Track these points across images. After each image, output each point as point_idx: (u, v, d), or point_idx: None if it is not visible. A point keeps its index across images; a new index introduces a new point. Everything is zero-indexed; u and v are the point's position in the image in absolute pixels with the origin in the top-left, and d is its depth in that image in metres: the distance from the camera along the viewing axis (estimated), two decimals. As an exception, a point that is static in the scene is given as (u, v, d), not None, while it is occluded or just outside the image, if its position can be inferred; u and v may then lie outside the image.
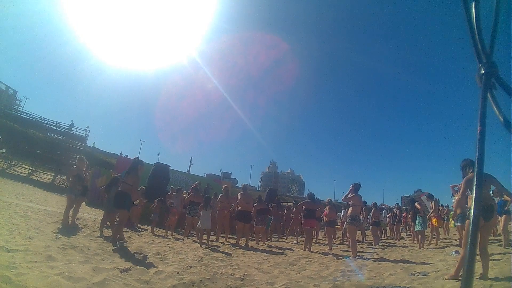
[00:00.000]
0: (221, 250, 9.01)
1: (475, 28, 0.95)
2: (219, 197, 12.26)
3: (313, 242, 11.47)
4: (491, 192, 8.08)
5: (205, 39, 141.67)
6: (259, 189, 77.93)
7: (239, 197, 11.48)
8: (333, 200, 14.05)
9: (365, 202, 14.12)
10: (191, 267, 5.86)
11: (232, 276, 5.50)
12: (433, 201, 12.98)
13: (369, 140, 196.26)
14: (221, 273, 5.68)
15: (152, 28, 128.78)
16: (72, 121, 33.08)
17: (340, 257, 8.94)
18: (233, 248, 9.91)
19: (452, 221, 16.29)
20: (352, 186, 9.56)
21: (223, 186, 12.63)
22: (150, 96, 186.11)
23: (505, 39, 1.01)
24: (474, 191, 0.83)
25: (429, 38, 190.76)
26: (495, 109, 0.87)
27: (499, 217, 10.33)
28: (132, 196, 8.02)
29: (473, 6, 0.97)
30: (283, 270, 6.59)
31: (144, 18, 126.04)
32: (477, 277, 5.22)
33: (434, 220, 12.49)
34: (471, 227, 0.81)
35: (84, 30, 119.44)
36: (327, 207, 12.14)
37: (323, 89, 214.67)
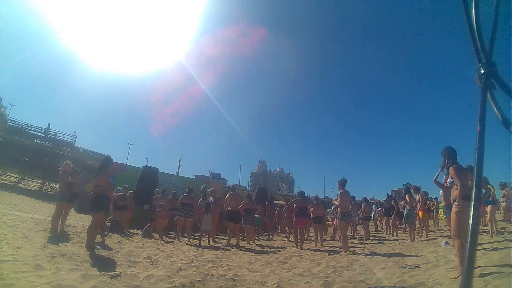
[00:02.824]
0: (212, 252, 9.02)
1: (475, 28, 0.96)
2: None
3: (304, 240, 11.49)
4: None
5: (192, 42, 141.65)
6: (249, 189, 77.80)
7: (228, 197, 11.50)
8: (322, 197, 14.11)
9: (353, 197, 14.19)
10: (181, 270, 5.85)
11: (223, 277, 5.51)
12: (419, 194, 13.09)
13: (357, 135, 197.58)
14: (212, 274, 5.68)
15: (138, 31, 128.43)
16: (49, 124, 32.86)
17: (331, 253, 8.96)
18: (226, 248, 9.92)
19: (442, 213, 16.47)
20: (338, 183, 9.62)
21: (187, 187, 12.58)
22: (137, 99, 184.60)
23: (505, 39, 1.02)
24: (474, 191, 0.84)
25: (422, 35, 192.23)
26: (495, 108, 0.88)
27: (486, 207, 10.49)
28: (109, 196, 7.92)
29: (473, 6, 0.97)
30: (274, 269, 6.59)
31: (130, 21, 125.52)
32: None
33: (420, 213, 12.61)
34: (470, 226, 0.81)
35: (69, 33, 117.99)
36: (313, 203, 12.15)
37: (311, 86, 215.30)
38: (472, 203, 0.83)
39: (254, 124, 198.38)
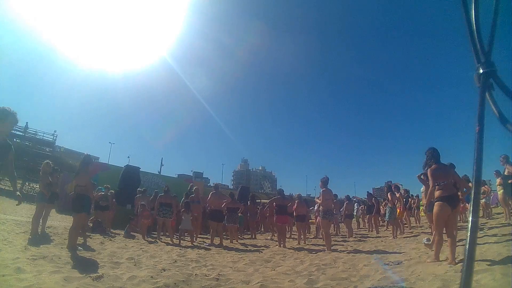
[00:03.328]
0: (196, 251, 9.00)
1: (474, 27, 0.95)
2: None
3: (287, 238, 11.55)
4: None
5: (176, 38, 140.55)
6: (231, 188, 77.73)
7: (210, 196, 11.49)
8: (305, 195, 14.17)
9: (336, 196, 14.29)
10: (165, 270, 5.82)
11: (207, 277, 5.49)
12: (399, 193, 13.28)
13: (339, 134, 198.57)
14: (195, 274, 5.66)
15: (121, 27, 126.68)
16: (27, 123, 32.26)
17: (314, 251, 9.02)
18: (208, 247, 9.90)
19: (423, 210, 16.74)
20: (321, 181, 9.69)
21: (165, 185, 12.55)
22: (119, 97, 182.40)
23: (504, 39, 1.04)
24: (473, 190, 0.85)
25: (412, 33, 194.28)
26: (493, 108, 0.88)
27: (467, 204, 10.72)
28: (90, 197, 7.84)
29: (473, 6, 0.96)
30: (258, 268, 6.61)
31: (112, 17, 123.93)
32: (446, 262, 5.43)
33: (398, 210, 12.80)
34: (470, 225, 0.82)
35: (48, 27, 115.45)
36: (296, 202, 12.21)
37: (293, 85, 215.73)
38: (472, 202, 0.84)
39: (237, 123, 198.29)
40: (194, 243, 10.61)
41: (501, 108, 0.87)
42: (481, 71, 0.91)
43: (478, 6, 0.95)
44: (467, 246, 0.78)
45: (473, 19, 0.95)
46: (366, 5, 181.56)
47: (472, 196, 0.85)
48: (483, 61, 0.92)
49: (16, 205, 5.02)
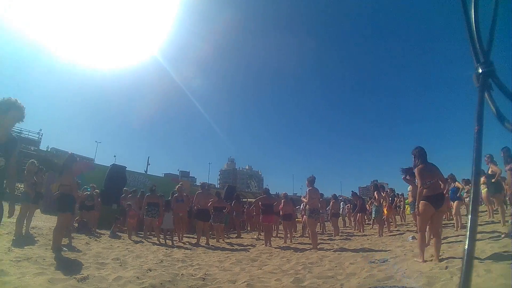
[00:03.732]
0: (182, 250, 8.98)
1: (474, 27, 0.95)
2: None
3: (274, 237, 11.58)
4: None
5: (164, 36, 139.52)
6: (218, 187, 77.55)
7: (197, 195, 11.47)
8: (291, 194, 14.24)
9: (322, 195, 14.37)
10: (151, 271, 5.78)
11: (193, 277, 5.47)
12: (384, 192, 13.45)
13: (326, 133, 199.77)
14: (182, 274, 5.63)
15: (108, 24, 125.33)
16: None
17: (301, 250, 9.04)
18: (194, 247, 9.88)
19: (408, 209, 16.97)
20: (307, 180, 9.75)
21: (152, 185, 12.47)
22: (105, 95, 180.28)
23: (503, 38, 1.04)
24: (472, 190, 0.86)
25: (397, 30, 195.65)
26: (492, 106, 0.88)
27: (452, 202, 10.91)
28: (75, 196, 7.77)
29: (472, 6, 0.96)
30: (245, 267, 6.61)
31: (98, 13, 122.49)
32: (431, 259, 5.51)
33: (385, 209, 12.93)
34: (469, 224, 0.82)
35: (36, 25, 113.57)
36: (282, 201, 12.26)
37: (279, 84, 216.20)
38: (471, 202, 0.84)
39: (224, 122, 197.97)
40: (175, 243, 10.57)
41: (501, 108, 0.88)
42: (480, 70, 0.91)
43: (477, 6, 0.95)
44: (466, 247, 0.78)
45: (473, 19, 0.95)
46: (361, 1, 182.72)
47: (471, 196, 0.86)
48: (482, 61, 0.91)
49: (7, 216, 4.71)
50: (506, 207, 10.76)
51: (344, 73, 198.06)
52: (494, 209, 11.17)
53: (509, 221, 7.82)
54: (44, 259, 5.89)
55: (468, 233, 0.79)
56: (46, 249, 7.05)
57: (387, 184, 15.40)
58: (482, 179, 10.64)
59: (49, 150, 43.60)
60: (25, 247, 6.98)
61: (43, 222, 12.28)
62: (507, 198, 10.56)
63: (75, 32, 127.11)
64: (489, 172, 9.08)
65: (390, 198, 14.23)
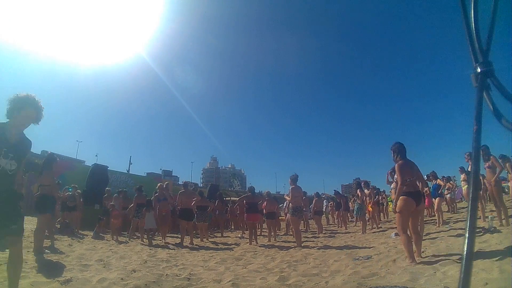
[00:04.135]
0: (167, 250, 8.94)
1: (473, 27, 0.94)
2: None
3: (258, 235, 11.60)
4: (424, 177, 8.65)
5: (147, 34, 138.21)
6: (201, 186, 77.37)
7: (180, 195, 11.44)
8: (274, 192, 14.31)
9: (305, 193, 14.46)
10: (135, 271, 5.74)
11: (178, 277, 5.45)
12: (369, 189, 13.60)
13: (308, 132, 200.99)
14: (166, 274, 5.60)
15: (86, 23, 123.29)
16: None
17: (285, 248, 9.09)
18: (178, 247, 9.84)
19: (391, 206, 17.22)
20: (290, 179, 9.81)
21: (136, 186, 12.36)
22: (87, 93, 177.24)
23: (502, 38, 1.04)
24: (471, 190, 0.83)
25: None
26: (489, 104, 0.87)
27: (433, 199, 11.13)
28: (55, 197, 7.65)
29: (472, 5, 0.95)
30: (229, 266, 6.61)
31: (79, 12, 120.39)
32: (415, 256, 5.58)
33: (369, 206, 13.09)
34: (468, 223, 0.80)
35: (15, 19, 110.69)
36: (266, 199, 12.30)
37: (261, 82, 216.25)
38: (470, 202, 0.82)
39: (206, 121, 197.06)
40: (159, 243, 10.49)
41: (499, 108, 0.87)
42: (478, 70, 0.90)
43: (477, 5, 0.94)
44: (465, 247, 0.76)
45: (472, 18, 0.94)
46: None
47: (470, 195, 0.83)
48: (481, 61, 0.91)
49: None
50: (486, 204, 11.00)
51: (327, 73, 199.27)
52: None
53: (489, 217, 7.99)
54: (26, 262, 5.76)
55: (467, 234, 0.79)
56: (28, 251, 6.91)
57: (370, 182, 15.56)
58: (463, 176, 10.89)
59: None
60: (6, 250, 6.83)
61: (25, 224, 12.01)
62: (486, 195, 10.80)
63: (53, 28, 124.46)
64: (469, 169, 9.28)
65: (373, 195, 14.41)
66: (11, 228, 3.26)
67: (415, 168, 5.87)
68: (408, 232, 5.60)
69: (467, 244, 0.77)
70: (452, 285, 3.73)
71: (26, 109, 3.39)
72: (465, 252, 0.76)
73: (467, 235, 0.79)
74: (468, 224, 0.78)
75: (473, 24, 0.94)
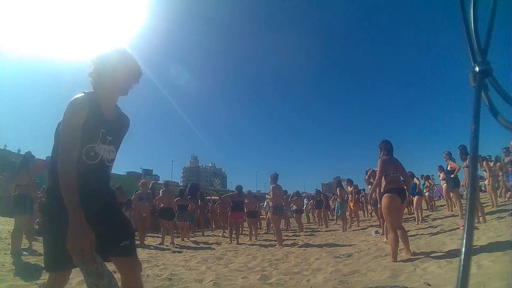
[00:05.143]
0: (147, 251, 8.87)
1: (472, 26, 0.93)
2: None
3: (239, 234, 11.62)
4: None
5: (132, 28, 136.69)
6: (181, 185, 76.97)
7: (161, 194, 11.37)
8: (255, 191, 14.34)
9: (286, 191, 14.55)
10: (115, 272, 5.68)
11: (159, 277, 5.41)
12: (352, 187, 13.77)
13: (288, 131, 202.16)
14: (147, 275, 5.53)
15: (63, 15, 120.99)
16: None
17: (266, 247, 9.13)
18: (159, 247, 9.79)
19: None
20: (271, 178, 9.86)
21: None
22: (62, 89, 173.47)
23: (501, 37, 1.03)
24: (469, 189, 0.84)
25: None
26: (486, 100, 0.86)
27: (412, 197, 11.36)
28: (33, 197, 7.51)
29: (471, 5, 0.93)
30: (211, 265, 6.59)
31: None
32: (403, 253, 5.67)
33: (351, 204, 13.25)
34: (467, 222, 0.78)
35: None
36: (246, 198, 12.32)
37: (242, 81, 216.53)
38: (468, 202, 0.80)
39: (186, 119, 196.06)
40: (138, 243, 10.32)
41: (498, 107, 0.85)
42: (477, 69, 0.88)
43: (476, 4, 0.93)
44: (464, 248, 0.75)
45: (471, 17, 0.93)
46: None
47: (469, 195, 0.83)
48: (480, 61, 0.89)
49: None
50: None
51: (308, 74, 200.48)
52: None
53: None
54: (3, 265, 5.67)
55: (465, 234, 0.77)
56: (5, 254, 6.76)
57: (352, 180, 15.75)
58: (442, 175, 11.13)
59: (5, 148, 41.91)
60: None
61: (2, 225, 11.81)
62: (464, 193, 11.06)
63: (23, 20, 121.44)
64: (448, 168, 9.47)
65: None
66: None
67: (400, 166, 5.93)
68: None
69: (465, 243, 0.76)
70: (431, 281, 3.81)
71: (122, 67, 2.24)
72: (463, 252, 0.75)
73: (465, 234, 0.77)
74: (467, 224, 0.77)
75: (472, 24, 0.94)
